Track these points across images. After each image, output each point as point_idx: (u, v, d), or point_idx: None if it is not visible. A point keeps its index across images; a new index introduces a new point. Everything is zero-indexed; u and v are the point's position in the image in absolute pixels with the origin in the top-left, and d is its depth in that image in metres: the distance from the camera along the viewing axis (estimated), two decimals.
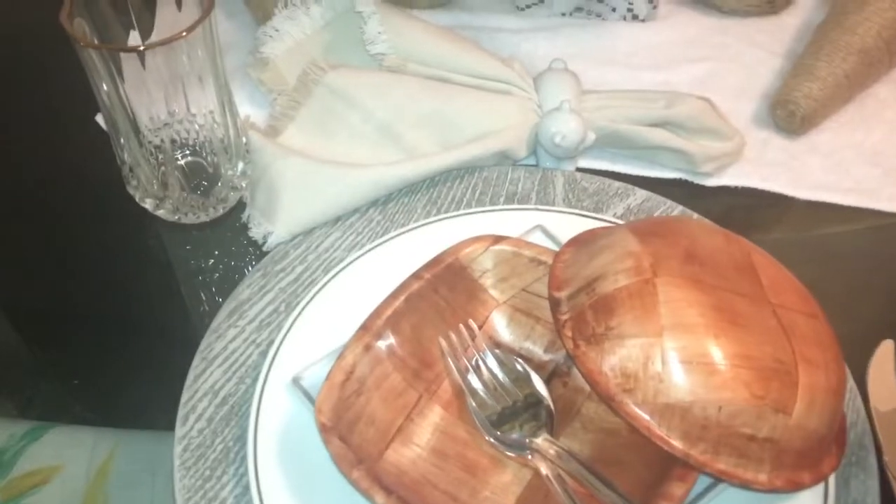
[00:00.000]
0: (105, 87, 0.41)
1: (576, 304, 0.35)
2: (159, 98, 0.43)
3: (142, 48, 0.39)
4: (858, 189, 0.49)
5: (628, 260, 0.34)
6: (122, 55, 0.40)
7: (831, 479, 0.35)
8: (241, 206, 0.47)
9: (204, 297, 0.45)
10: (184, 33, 0.39)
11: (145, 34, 0.44)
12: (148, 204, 0.46)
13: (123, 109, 0.42)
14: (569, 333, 0.34)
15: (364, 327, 0.36)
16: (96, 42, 0.42)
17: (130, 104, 0.42)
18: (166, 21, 0.44)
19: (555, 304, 0.35)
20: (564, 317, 0.35)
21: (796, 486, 0.33)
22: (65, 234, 0.48)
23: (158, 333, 0.44)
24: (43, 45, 0.52)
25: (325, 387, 0.34)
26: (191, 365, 0.40)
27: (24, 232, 0.49)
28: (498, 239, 0.39)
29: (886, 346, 0.43)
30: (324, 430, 0.33)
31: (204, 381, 0.39)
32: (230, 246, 0.47)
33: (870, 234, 0.48)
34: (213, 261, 0.46)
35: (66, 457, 0.39)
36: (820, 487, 0.35)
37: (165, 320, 0.45)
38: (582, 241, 0.38)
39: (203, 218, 0.47)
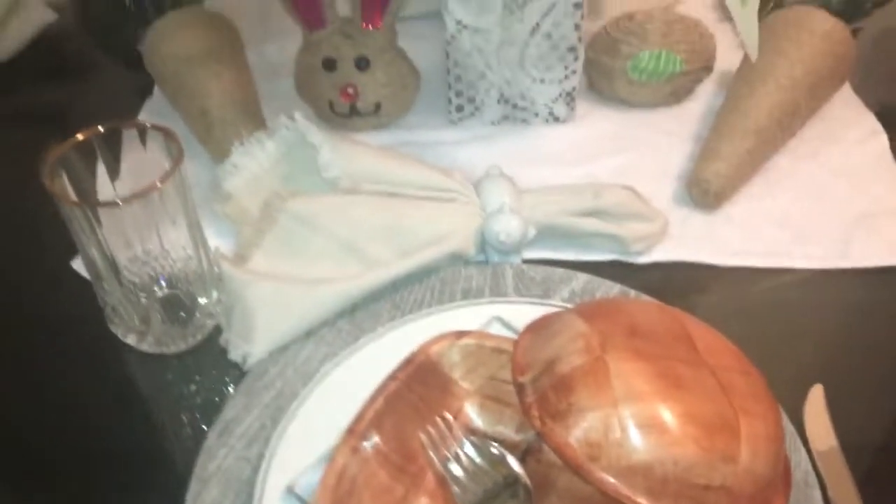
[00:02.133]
0: (84, 236, 0.45)
1: (538, 387, 0.39)
2: (136, 239, 0.46)
3: (120, 202, 0.43)
4: (772, 252, 0.55)
5: (579, 341, 0.39)
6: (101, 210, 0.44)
7: None
8: (217, 331, 0.51)
9: (190, 421, 0.48)
10: (158, 183, 0.43)
11: (112, 171, 0.48)
12: (131, 339, 0.49)
13: (102, 253, 0.46)
14: (535, 413, 0.38)
15: (350, 431, 0.40)
16: (72, 194, 0.46)
17: (109, 248, 0.46)
18: (132, 158, 0.48)
19: (520, 389, 0.39)
20: (530, 399, 0.39)
21: None
22: (51, 374, 0.51)
23: (150, 461, 0.47)
24: (16, 197, 0.56)
25: (320, 490, 0.37)
26: (188, 488, 0.42)
27: (13, 374, 0.51)
28: (461, 334, 0.43)
29: (817, 389, 0.47)
30: None
31: (202, 502, 0.42)
32: (211, 370, 0.50)
33: (787, 290, 0.54)
34: (195, 386, 0.49)
35: None
36: None
37: (156, 448, 0.47)
38: (536, 328, 0.42)
39: (183, 347, 0.50)
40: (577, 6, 0.59)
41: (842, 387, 0.47)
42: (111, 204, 0.44)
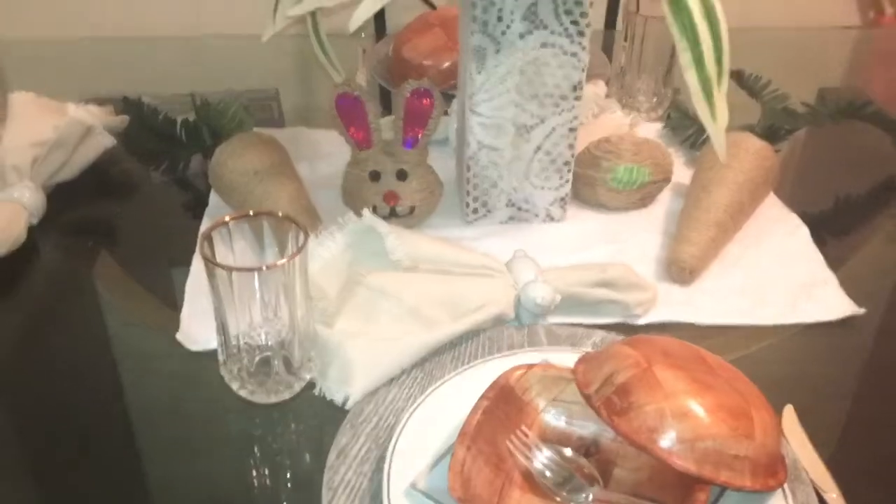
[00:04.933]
0: (224, 300, 0.56)
1: (602, 395, 0.52)
2: (258, 304, 0.58)
3: (262, 268, 0.55)
4: (738, 313, 0.71)
5: (629, 359, 0.52)
6: (240, 274, 0.55)
7: (787, 487, 0.53)
8: (309, 385, 0.62)
9: (305, 451, 0.58)
10: (286, 260, 0.55)
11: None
12: (244, 392, 0.59)
13: (234, 314, 0.57)
14: (604, 413, 0.51)
15: (462, 433, 0.51)
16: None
17: (239, 310, 0.57)
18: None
19: (587, 398, 0.52)
20: (598, 403, 0.51)
21: (768, 488, 0.50)
22: (180, 425, 0.60)
23: (277, 486, 0.56)
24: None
25: (451, 473, 0.49)
26: (321, 495, 0.52)
27: (143, 427, 0.60)
28: (531, 366, 0.56)
29: (789, 409, 0.62)
30: (461, 501, 0.47)
31: None
32: (311, 414, 0.60)
33: (750, 341, 0.69)
34: (300, 426, 0.60)
35: None
36: (781, 493, 0.52)
37: (279, 476, 0.57)
38: (588, 358, 0.55)
39: (286, 396, 0.60)
40: (572, 130, 0.76)
41: (797, 407, 0.62)
42: (251, 269, 0.55)
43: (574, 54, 0.71)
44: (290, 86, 1.13)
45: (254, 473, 0.57)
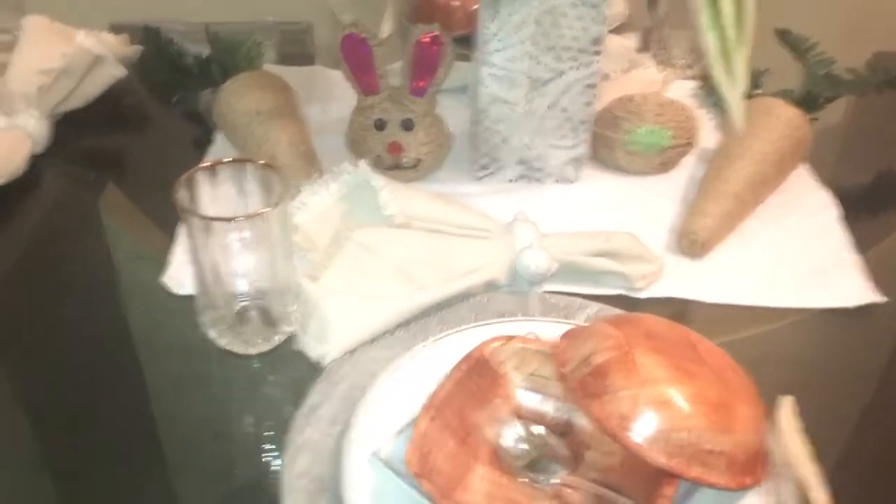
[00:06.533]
0: (199, 246, 0.54)
1: (578, 375, 0.49)
2: (237, 254, 0.56)
3: (234, 219, 0.53)
4: (747, 293, 0.67)
5: (610, 340, 0.49)
6: (216, 224, 0.54)
7: (767, 485, 0.50)
8: (288, 340, 0.60)
9: (276, 406, 0.57)
10: (266, 209, 0.53)
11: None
12: (223, 341, 0.58)
13: (212, 263, 0.55)
14: (578, 395, 0.48)
15: (428, 405, 0.49)
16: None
17: (216, 259, 0.55)
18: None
19: (563, 377, 0.50)
20: (573, 384, 0.49)
21: (743, 487, 0.47)
22: (155, 369, 0.60)
23: (244, 438, 0.55)
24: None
25: (410, 448, 0.47)
26: (283, 456, 0.51)
27: (117, 369, 0.60)
28: (510, 338, 0.54)
29: (789, 400, 0.58)
30: (417, 476, 0.45)
31: (295, 467, 0.51)
32: (288, 368, 0.59)
33: (760, 322, 0.65)
34: (276, 379, 0.59)
35: None
36: (763, 489, 0.49)
37: (248, 427, 0.56)
38: (571, 334, 0.53)
39: (266, 348, 0.59)
40: (590, 87, 0.72)
41: (800, 399, 0.58)
42: (226, 219, 0.54)
43: (594, 5, 0.67)
44: (325, 20, 1.09)
45: (218, 424, 0.56)
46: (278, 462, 0.52)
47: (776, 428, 0.56)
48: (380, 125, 0.73)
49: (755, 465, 0.48)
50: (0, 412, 0.57)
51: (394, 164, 0.74)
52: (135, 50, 0.87)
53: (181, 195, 0.53)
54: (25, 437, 0.56)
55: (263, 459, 0.54)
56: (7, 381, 0.60)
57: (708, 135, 0.82)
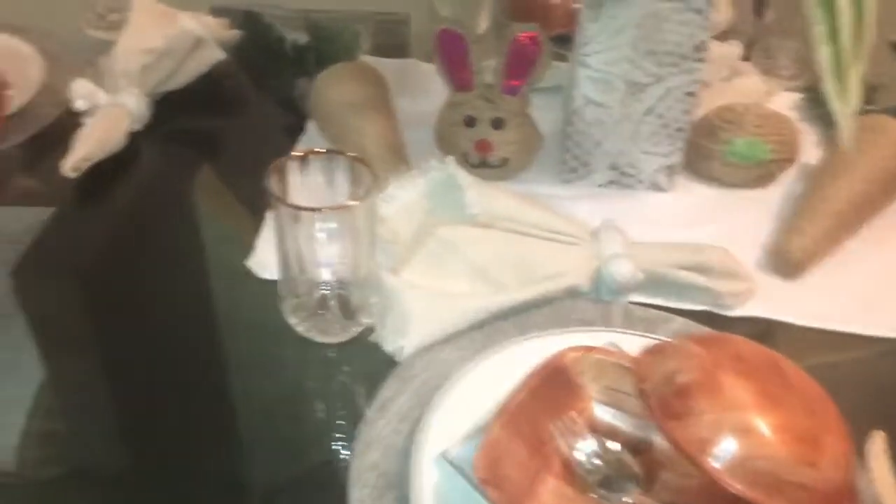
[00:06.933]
0: (286, 233, 0.55)
1: (659, 393, 0.48)
2: (322, 244, 0.56)
3: (322, 210, 0.53)
4: (844, 319, 0.64)
5: (695, 359, 0.48)
6: (303, 213, 0.54)
7: None
8: (365, 331, 0.60)
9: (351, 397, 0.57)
10: (354, 202, 0.53)
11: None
12: (302, 328, 0.59)
13: (297, 250, 0.56)
14: (657, 413, 0.47)
15: (502, 410, 0.49)
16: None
17: (302, 246, 0.56)
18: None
19: (643, 394, 0.48)
20: (652, 401, 0.47)
21: None
22: (235, 352, 0.61)
23: (318, 430, 0.56)
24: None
25: (479, 451, 0.46)
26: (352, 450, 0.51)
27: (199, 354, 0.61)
28: (591, 348, 0.53)
29: (879, 436, 0.55)
30: (483, 481, 0.45)
31: (364, 462, 0.51)
32: (364, 359, 0.59)
33: (855, 349, 0.62)
34: (351, 370, 0.59)
35: None
36: None
37: (322, 418, 0.57)
38: (655, 350, 0.51)
39: (344, 338, 0.59)
40: (690, 94, 0.70)
41: (892, 434, 0.55)
42: (315, 209, 0.54)
43: (699, 11, 0.65)
44: (423, 12, 1.09)
45: (291, 408, 0.56)
46: (346, 452, 0.52)
47: (865, 464, 0.54)
48: (469, 122, 0.73)
49: (840, 501, 0.46)
50: (88, 379, 0.59)
51: (481, 162, 0.73)
52: (234, 34, 0.88)
53: (272, 182, 0.54)
54: (108, 407, 0.58)
55: (332, 447, 0.54)
56: (98, 347, 0.62)
57: (809, 150, 0.79)
